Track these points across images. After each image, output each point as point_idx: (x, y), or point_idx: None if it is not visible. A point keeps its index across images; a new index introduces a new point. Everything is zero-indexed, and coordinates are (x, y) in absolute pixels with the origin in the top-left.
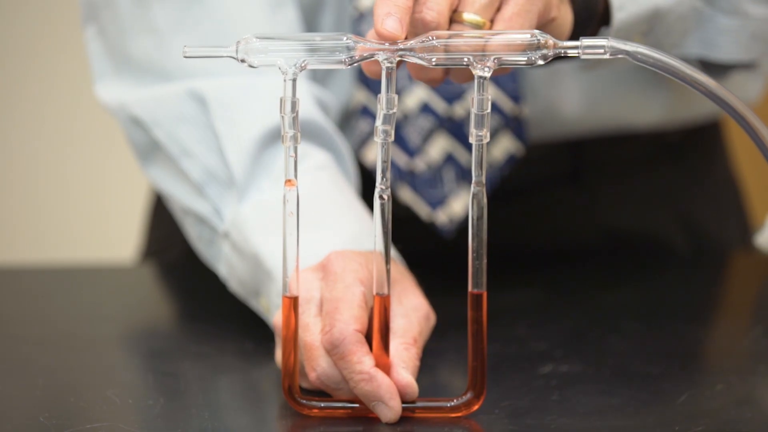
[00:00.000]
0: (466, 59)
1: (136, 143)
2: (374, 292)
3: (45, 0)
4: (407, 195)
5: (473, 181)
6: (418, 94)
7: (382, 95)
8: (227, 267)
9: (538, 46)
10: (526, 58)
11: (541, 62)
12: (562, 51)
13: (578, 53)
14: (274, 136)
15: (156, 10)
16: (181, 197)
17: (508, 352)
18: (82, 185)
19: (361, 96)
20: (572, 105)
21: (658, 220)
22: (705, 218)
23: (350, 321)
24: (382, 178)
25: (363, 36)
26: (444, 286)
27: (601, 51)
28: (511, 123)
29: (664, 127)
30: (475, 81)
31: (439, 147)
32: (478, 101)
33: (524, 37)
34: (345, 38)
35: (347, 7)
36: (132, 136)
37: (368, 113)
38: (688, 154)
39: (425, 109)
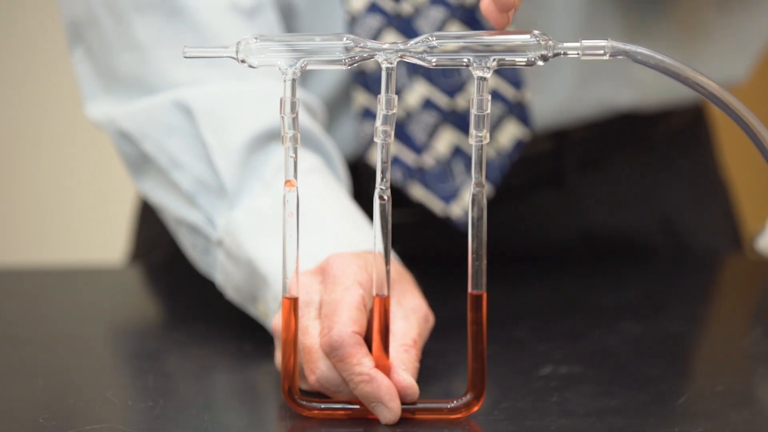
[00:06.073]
0: (466, 59)
1: (126, 157)
2: (374, 293)
3: (45, 1)
4: (419, 192)
5: (473, 182)
6: (419, 91)
7: (382, 95)
8: (223, 275)
9: (537, 47)
10: (525, 59)
11: (540, 63)
12: (562, 51)
13: (578, 54)
14: (261, 141)
15: (137, 25)
16: (173, 208)
17: (507, 354)
18: (79, 187)
19: (362, 98)
20: (565, 87)
21: (640, 222)
22: (692, 222)
23: (348, 323)
24: (382, 179)
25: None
26: (444, 287)
27: (601, 52)
28: (515, 109)
29: (644, 107)
30: (475, 81)
31: (445, 141)
32: (478, 102)
33: (524, 37)
34: (345, 38)
35: (331, 13)
36: (122, 150)
37: (370, 115)
38: (674, 157)
39: (427, 104)
